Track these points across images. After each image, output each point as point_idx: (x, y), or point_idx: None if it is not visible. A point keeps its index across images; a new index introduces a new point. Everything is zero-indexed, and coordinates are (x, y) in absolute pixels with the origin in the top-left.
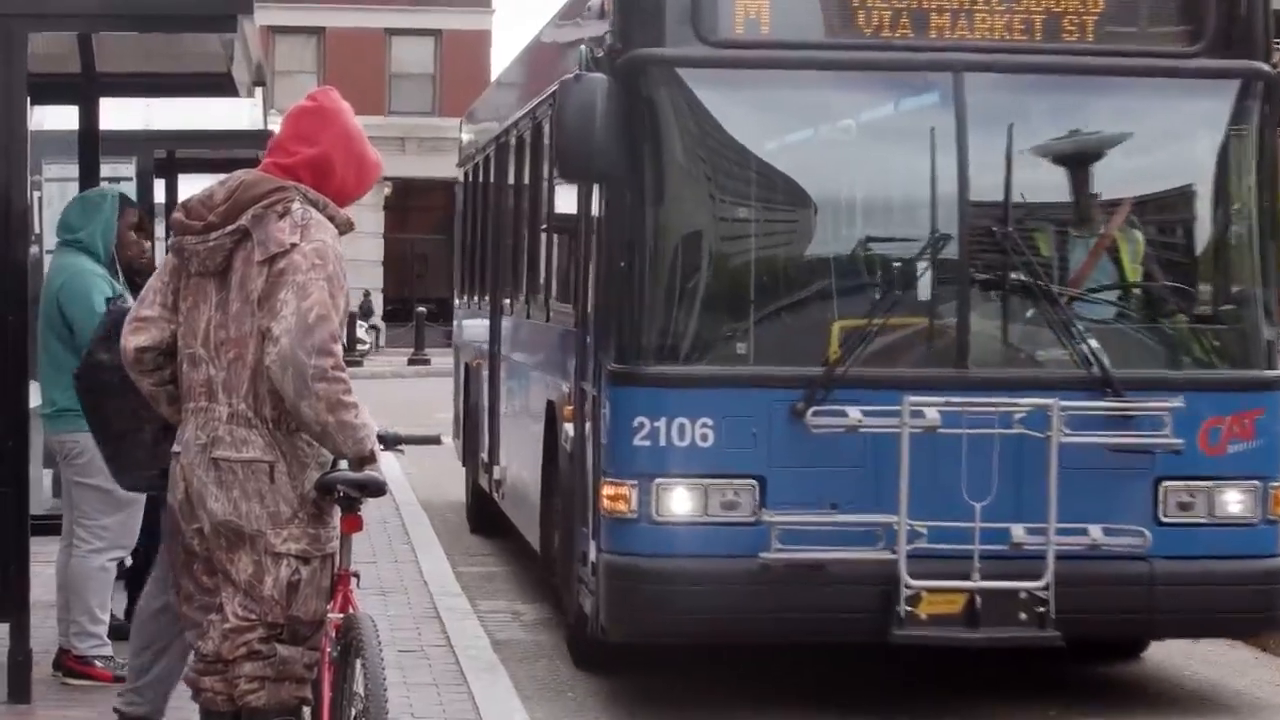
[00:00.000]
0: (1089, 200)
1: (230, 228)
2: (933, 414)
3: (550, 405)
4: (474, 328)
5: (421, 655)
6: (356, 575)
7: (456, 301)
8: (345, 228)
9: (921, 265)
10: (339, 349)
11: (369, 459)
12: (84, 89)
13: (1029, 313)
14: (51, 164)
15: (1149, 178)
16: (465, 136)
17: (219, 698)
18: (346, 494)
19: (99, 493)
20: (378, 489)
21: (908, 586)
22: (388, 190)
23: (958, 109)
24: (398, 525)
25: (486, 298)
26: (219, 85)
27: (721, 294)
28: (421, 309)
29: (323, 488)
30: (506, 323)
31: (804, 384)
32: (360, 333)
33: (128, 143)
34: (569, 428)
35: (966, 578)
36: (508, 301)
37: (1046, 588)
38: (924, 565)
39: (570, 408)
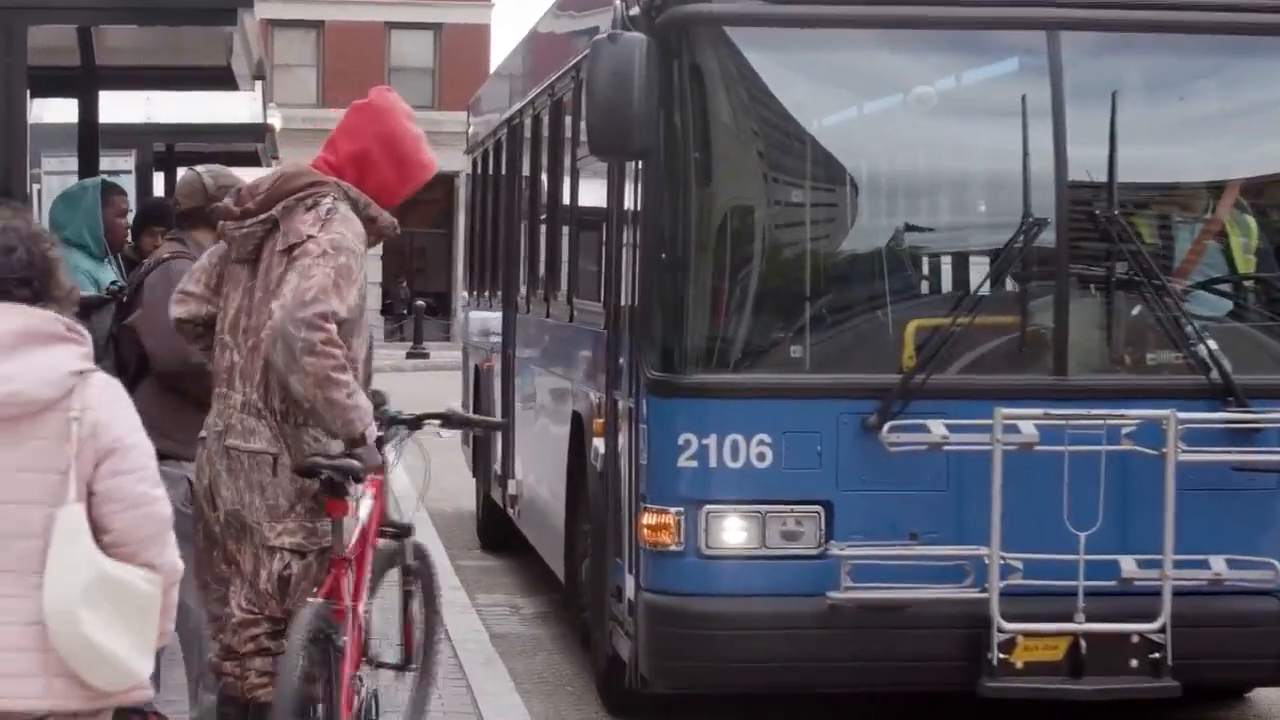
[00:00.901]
0: (1209, 180)
1: (262, 216)
2: (1029, 428)
3: (576, 417)
4: (484, 325)
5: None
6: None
7: (464, 296)
8: (388, 230)
9: (1012, 255)
10: (333, 328)
11: (358, 441)
12: (84, 82)
13: (1137, 310)
14: (51, 157)
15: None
16: (475, 119)
17: (240, 684)
18: (329, 477)
19: None
20: (356, 472)
21: (1001, 630)
22: None
23: (1053, 73)
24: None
25: (498, 293)
26: (218, 79)
27: (780, 290)
28: (420, 303)
29: (304, 470)
30: (522, 321)
31: (878, 394)
32: None
33: (127, 136)
34: (599, 444)
35: (1069, 619)
36: (523, 298)
37: (1163, 630)
38: (1019, 605)
39: (601, 421)
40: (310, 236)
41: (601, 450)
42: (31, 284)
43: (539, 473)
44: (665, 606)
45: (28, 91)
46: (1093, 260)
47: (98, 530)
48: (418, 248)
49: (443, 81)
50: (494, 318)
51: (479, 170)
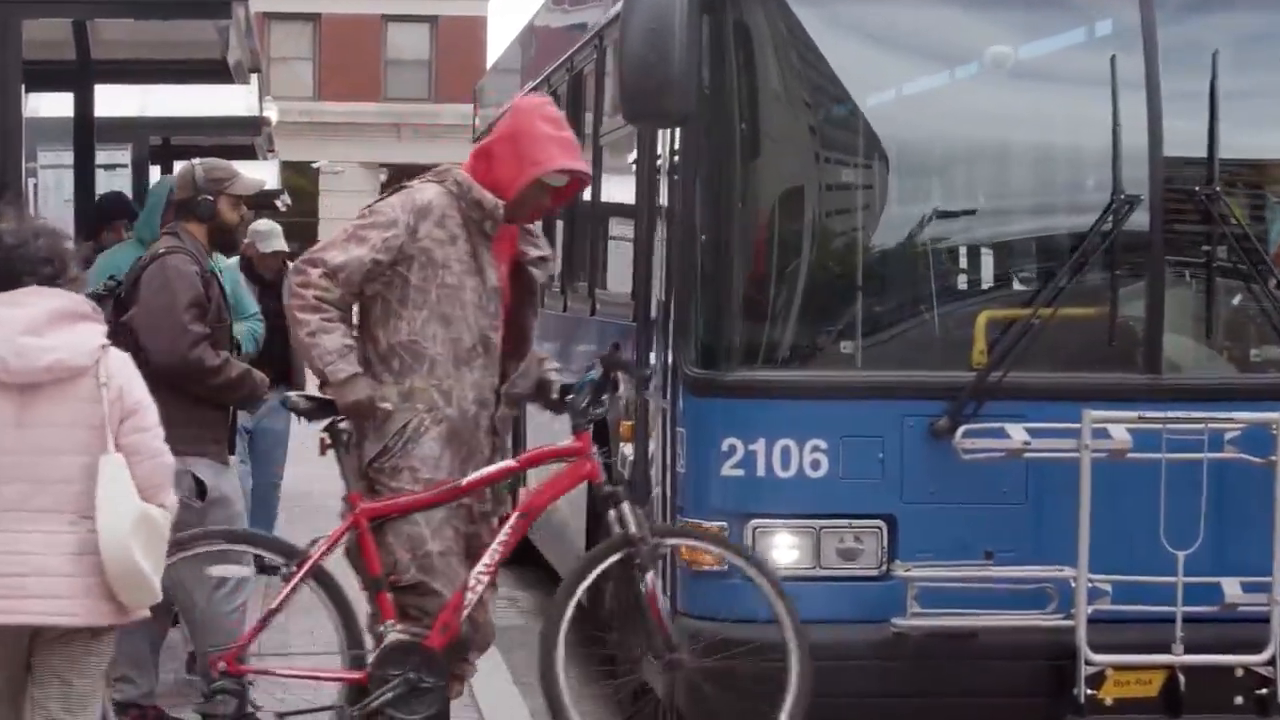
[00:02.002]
0: None
1: None
2: (1121, 433)
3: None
4: None
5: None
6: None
7: None
8: (493, 213)
9: (1099, 238)
10: (316, 273)
11: (325, 379)
12: (79, 76)
13: (1240, 299)
14: (47, 151)
15: None
16: (483, 101)
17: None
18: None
19: None
20: (298, 409)
21: (1089, 662)
22: (383, 176)
23: (1146, 34)
24: None
25: None
26: (214, 72)
27: (836, 277)
28: None
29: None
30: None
31: (947, 394)
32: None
33: (123, 130)
34: (627, 449)
35: (1166, 650)
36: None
37: (1271, 662)
38: (1109, 634)
39: (629, 423)
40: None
41: (630, 457)
42: (52, 263)
43: None
44: (706, 634)
45: (23, 85)
46: (1190, 244)
47: None
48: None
49: (439, 74)
50: None
51: None
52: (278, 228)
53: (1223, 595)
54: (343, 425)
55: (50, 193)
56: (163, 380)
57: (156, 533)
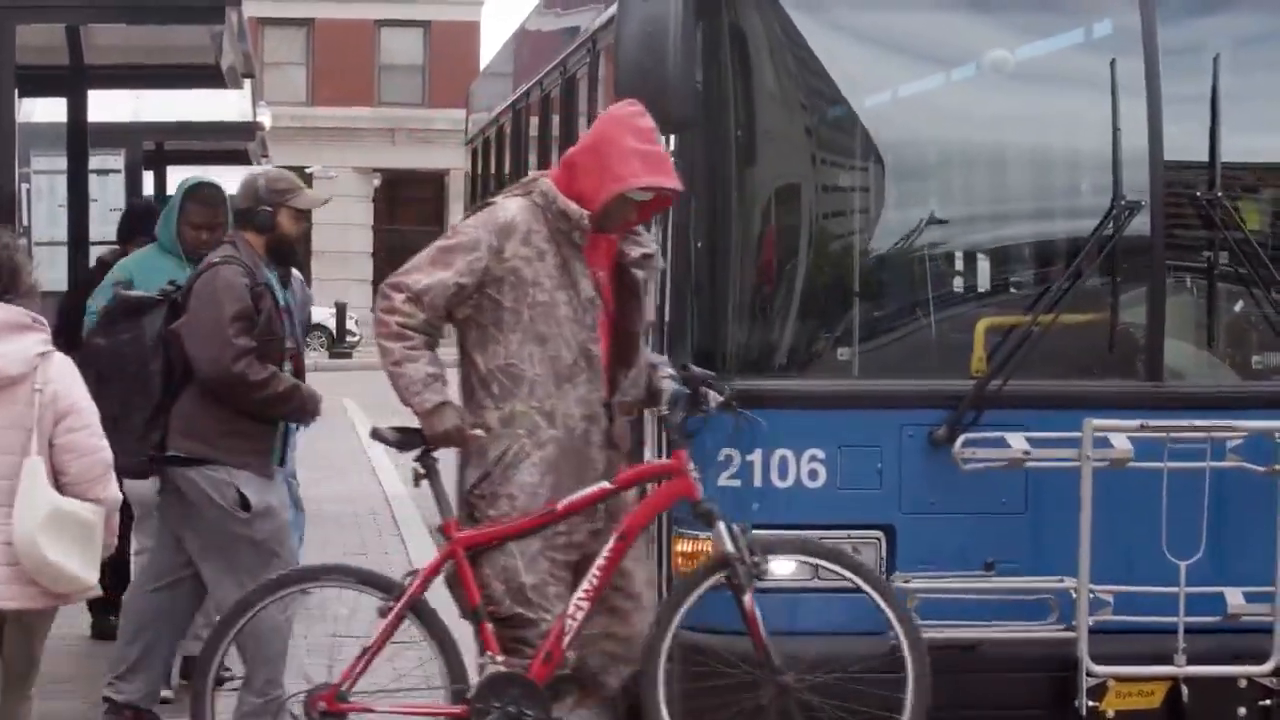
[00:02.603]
0: None
1: None
2: (1123, 442)
3: None
4: None
5: (411, 646)
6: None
7: None
8: (579, 223)
9: (1100, 244)
10: (399, 298)
11: (414, 409)
12: (72, 81)
13: (1243, 306)
14: (40, 156)
15: None
16: (475, 105)
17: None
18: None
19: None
20: (386, 439)
21: (1090, 674)
22: (377, 182)
23: (1146, 36)
24: (388, 517)
25: None
26: (208, 77)
27: (834, 284)
28: None
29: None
30: None
31: (947, 403)
32: (350, 324)
33: (116, 135)
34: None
35: (1168, 661)
36: None
37: (1275, 673)
38: (1111, 645)
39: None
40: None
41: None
42: (1, 279)
43: None
44: (704, 646)
45: (16, 91)
46: (1192, 249)
47: (59, 472)
48: (409, 246)
49: (432, 79)
50: None
51: (479, 161)
52: None
53: (1225, 605)
54: (435, 454)
55: (44, 198)
56: (208, 391)
57: (76, 527)
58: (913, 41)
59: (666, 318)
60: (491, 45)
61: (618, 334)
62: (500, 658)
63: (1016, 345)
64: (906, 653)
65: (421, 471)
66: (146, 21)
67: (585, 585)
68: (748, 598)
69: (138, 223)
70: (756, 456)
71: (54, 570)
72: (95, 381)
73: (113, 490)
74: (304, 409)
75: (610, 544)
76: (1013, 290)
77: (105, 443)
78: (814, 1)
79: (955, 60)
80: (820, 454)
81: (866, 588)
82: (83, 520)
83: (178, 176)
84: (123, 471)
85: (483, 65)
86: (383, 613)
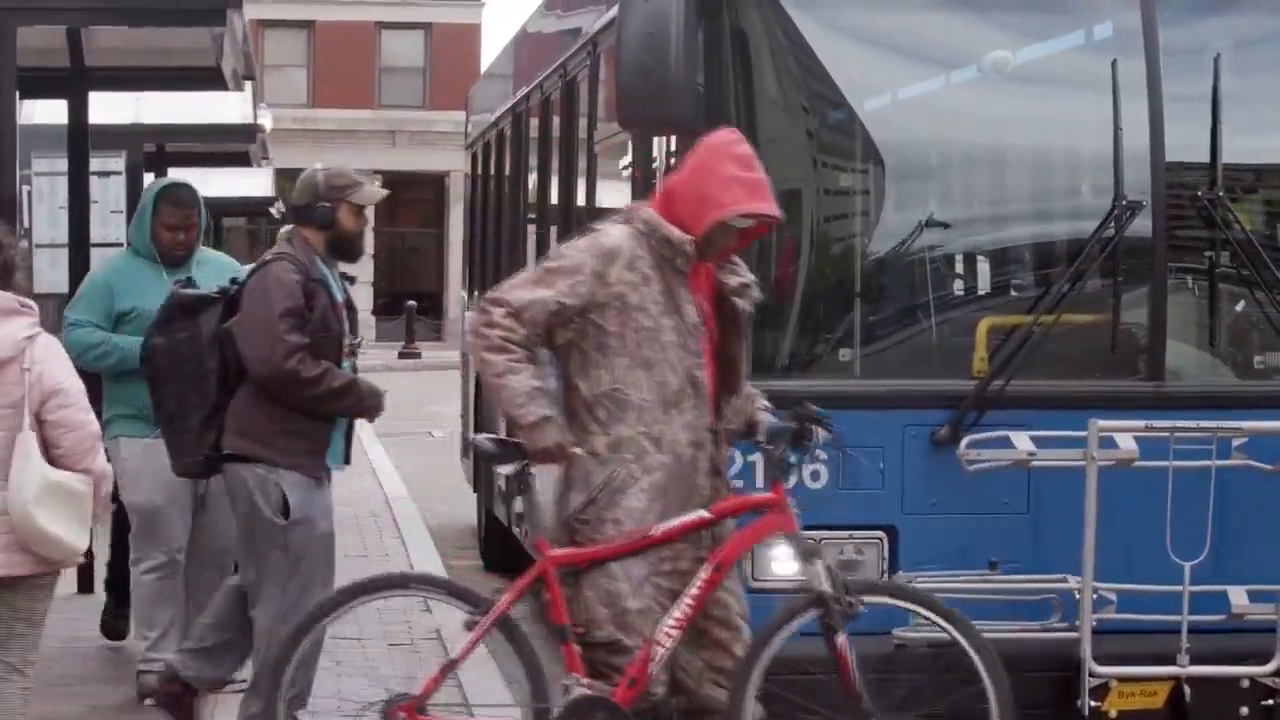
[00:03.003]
0: None
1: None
2: (1127, 442)
3: None
4: None
5: (412, 649)
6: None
7: (462, 295)
8: (681, 247)
9: (1101, 245)
10: (499, 313)
11: (514, 422)
12: (73, 83)
13: (1244, 306)
14: (41, 158)
15: None
16: (475, 108)
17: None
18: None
19: (124, 505)
20: (486, 453)
21: (1093, 674)
22: (378, 183)
23: (1148, 36)
24: (389, 519)
25: None
26: (208, 79)
27: (835, 285)
28: (412, 303)
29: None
30: None
31: (949, 404)
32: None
33: (117, 136)
34: None
35: (1171, 661)
36: None
37: (1279, 673)
38: (1114, 644)
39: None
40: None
41: None
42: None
43: (553, 493)
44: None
45: (17, 92)
46: (1194, 250)
47: (50, 446)
48: (410, 248)
49: (433, 81)
50: None
51: (479, 164)
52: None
53: (1229, 605)
54: (532, 470)
55: (44, 200)
56: (261, 389)
57: (69, 498)
58: (914, 42)
59: None
60: (492, 48)
61: (721, 361)
62: (585, 680)
63: (1018, 346)
64: (994, 706)
65: (518, 485)
66: (147, 23)
67: (676, 613)
68: (840, 638)
69: None
70: (758, 458)
71: (48, 539)
72: (152, 380)
73: (101, 461)
74: (363, 404)
75: (704, 574)
76: (1014, 291)
77: (93, 417)
78: (815, 2)
79: (956, 61)
80: (822, 455)
81: (958, 636)
82: (73, 491)
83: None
84: (184, 472)
85: (483, 68)
86: (469, 626)
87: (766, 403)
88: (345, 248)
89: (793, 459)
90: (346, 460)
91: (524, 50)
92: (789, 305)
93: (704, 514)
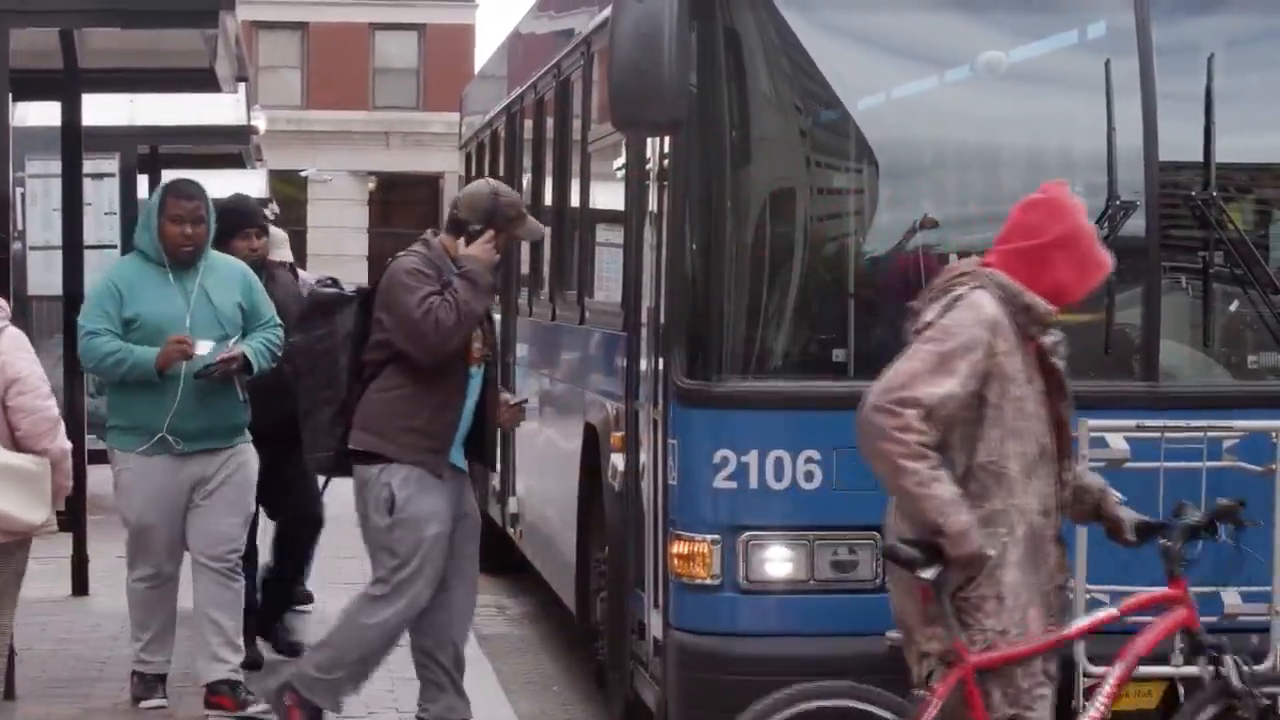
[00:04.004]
0: None
1: (910, 304)
2: (1119, 442)
3: (589, 429)
4: None
5: (407, 650)
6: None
7: None
8: (1044, 317)
9: None
10: (913, 415)
11: (938, 532)
12: (66, 85)
13: (1238, 306)
14: (34, 160)
15: None
16: (469, 109)
17: None
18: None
19: (119, 512)
20: (905, 558)
21: (1087, 674)
22: (372, 185)
23: (1140, 35)
24: None
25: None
26: (202, 81)
27: (831, 285)
28: None
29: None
30: (523, 324)
31: None
32: None
33: (111, 138)
34: (618, 460)
35: (1165, 661)
36: (524, 298)
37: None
38: (1108, 645)
39: (619, 434)
40: (929, 322)
41: (620, 467)
42: None
43: (545, 490)
44: (699, 648)
45: (10, 94)
46: (1187, 250)
47: (13, 428)
48: (402, 249)
49: (427, 82)
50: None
51: (473, 165)
52: (283, 235)
53: (1222, 605)
54: (948, 573)
55: (38, 202)
56: (403, 381)
57: (19, 477)
58: (907, 43)
59: (661, 321)
60: (486, 48)
61: (1055, 425)
62: None
63: None
64: None
65: (932, 592)
66: (141, 25)
67: (1092, 712)
68: None
69: (239, 219)
70: (752, 458)
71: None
72: (290, 378)
73: (59, 443)
74: (486, 282)
75: (1117, 672)
76: None
77: (51, 403)
78: (808, 3)
79: (949, 61)
80: (816, 455)
81: None
82: (22, 470)
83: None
84: (317, 468)
85: (477, 68)
86: None
87: (1116, 494)
88: None
89: (1190, 554)
90: (490, 464)
91: (518, 51)
92: (783, 305)
93: (1112, 611)
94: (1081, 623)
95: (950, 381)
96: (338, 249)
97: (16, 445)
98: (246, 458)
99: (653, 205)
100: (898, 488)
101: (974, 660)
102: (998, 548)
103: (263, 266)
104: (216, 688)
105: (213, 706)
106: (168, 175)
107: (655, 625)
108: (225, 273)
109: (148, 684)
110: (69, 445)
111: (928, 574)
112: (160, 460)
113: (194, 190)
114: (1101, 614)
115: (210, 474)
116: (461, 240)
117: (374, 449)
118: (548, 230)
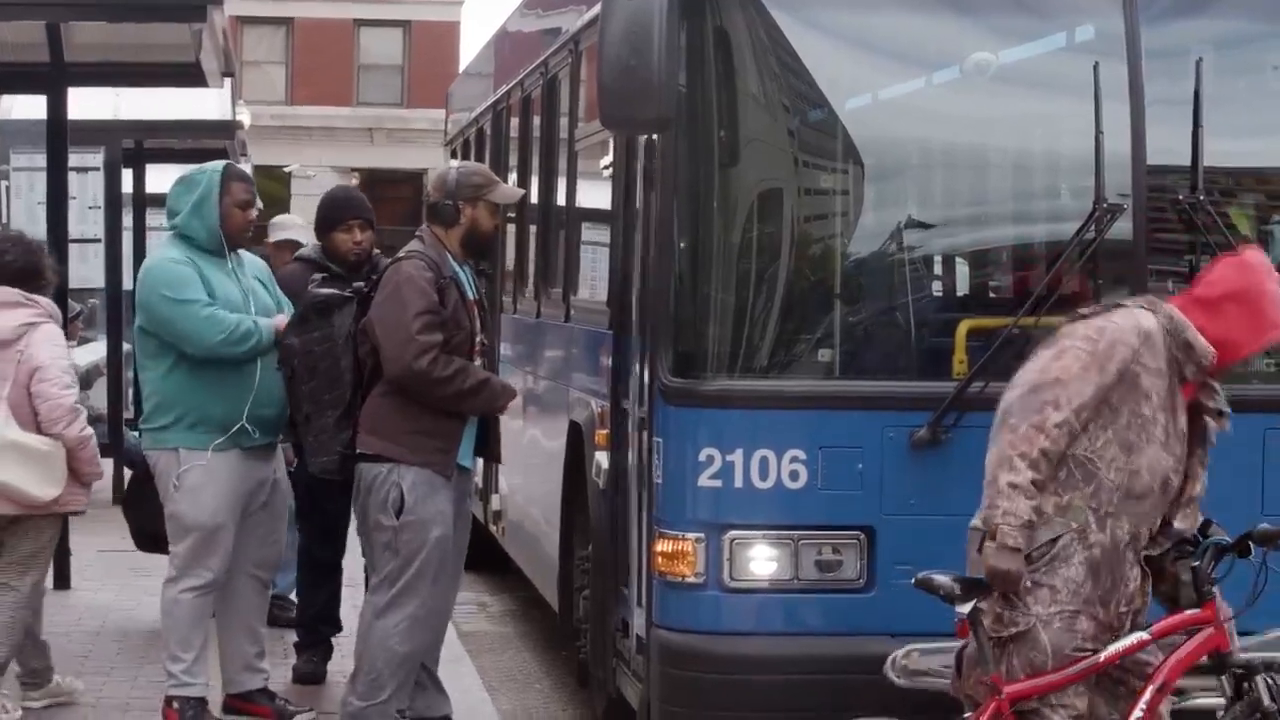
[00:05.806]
0: None
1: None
2: None
3: (574, 428)
4: None
5: None
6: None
7: None
8: (1199, 357)
9: (1082, 247)
10: (1056, 418)
11: (998, 537)
12: (52, 78)
13: None
14: (19, 153)
15: None
16: (455, 105)
17: None
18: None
19: (170, 517)
20: (942, 588)
21: None
22: (355, 181)
23: (1129, 38)
24: None
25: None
26: (188, 75)
27: (817, 285)
28: None
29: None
30: (508, 321)
31: (928, 405)
32: None
33: (96, 132)
34: (602, 458)
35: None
36: (509, 295)
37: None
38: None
39: (604, 432)
40: (1083, 317)
41: (605, 466)
42: (20, 278)
43: (529, 488)
44: (682, 647)
45: None
46: (1174, 253)
47: (35, 413)
48: (386, 245)
49: (412, 79)
50: None
51: (460, 158)
52: (287, 219)
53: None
54: (983, 605)
55: (23, 195)
56: (394, 387)
57: (28, 455)
58: (896, 44)
59: (647, 319)
60: (471, 46)
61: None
62: None
63: (998, 348)
64: None
65: (969, 624)
66: (127, 19)
67: None
68: None
69: (340, 212)
70: (737, 456)
71: (10, 488)
72: (291, 381)
73: (75, 430)
74: (495, 402)
75: (1148, 695)
76: (995, 293)
77: (69, 393)
78: (797, 2)
79: (938, 63)
80: (801, 455)
81: None
82: (31, 448)
83: (156, 174)
84: (322, 471)
85: (462, 66)
86: None
87: (1218, 531)
88: (480, 245)
89: (1220, 575)
90: (497, 458)
91: (505, 48)
92: (769, 304)
93: (1144, 636)
94: (1114, 648)
95: (1098, 378)
96: None
97: (39, 429)
98: (282, 459)
99: (639, 204)
100: (994, 475)
101: (1009, 691)
102: (1065, 539)
103: (366, 261)
104: (253, 697)
105: (242, 713)
106: (152, 169)
107: (639, 623)
108: (250, 262)
109: (195, 709)
110: (89, 432)
111: (964, 608)
112: (233, 456)
113: (249, 174)
114: (1133, 639)
115: (269, 475)
116: (445, 228)
117: (381, 452)
118: (533, 229)
